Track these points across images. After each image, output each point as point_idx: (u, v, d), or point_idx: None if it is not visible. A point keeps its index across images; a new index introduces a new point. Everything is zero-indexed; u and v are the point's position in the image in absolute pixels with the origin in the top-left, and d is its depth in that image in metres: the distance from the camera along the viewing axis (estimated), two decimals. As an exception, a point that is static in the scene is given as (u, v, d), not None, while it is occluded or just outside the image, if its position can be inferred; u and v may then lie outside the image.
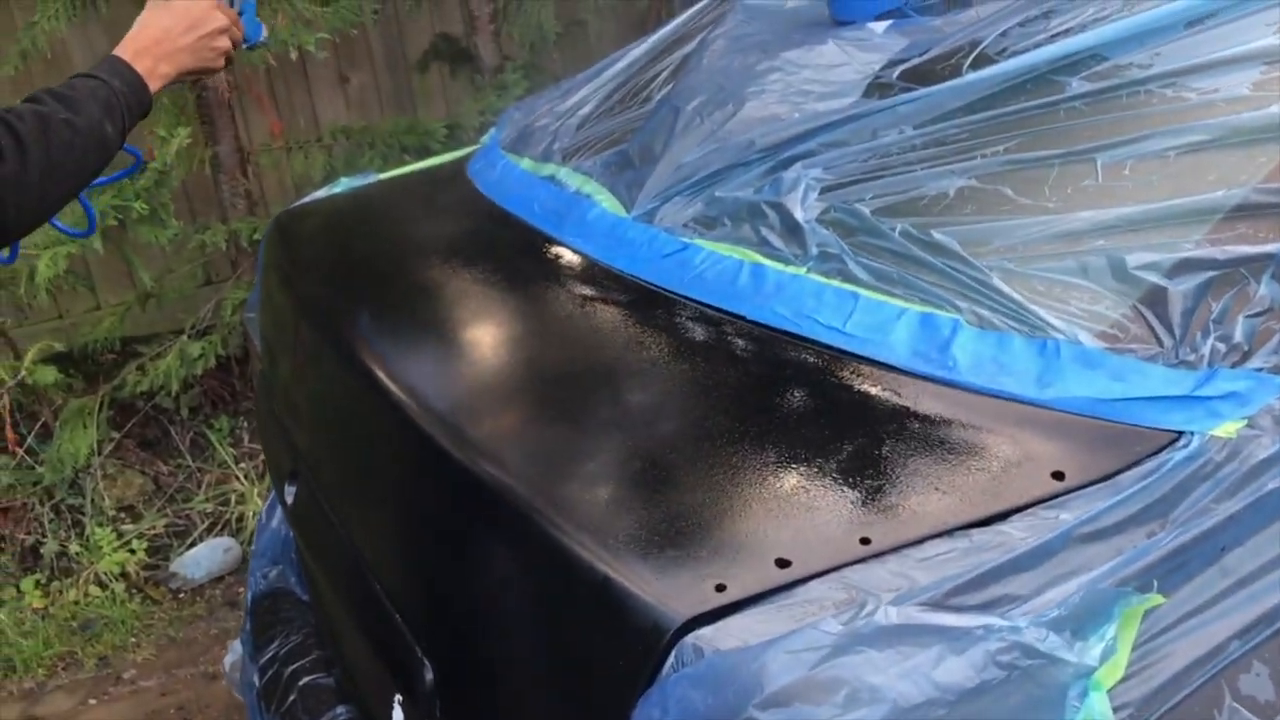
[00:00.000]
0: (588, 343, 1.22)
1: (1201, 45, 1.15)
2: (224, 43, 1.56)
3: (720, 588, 0.80)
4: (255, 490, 3.52)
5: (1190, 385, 0.91)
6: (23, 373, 3.30)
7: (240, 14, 1.65)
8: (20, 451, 3.46)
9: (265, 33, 1.74)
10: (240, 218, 3.58)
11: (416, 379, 1.22)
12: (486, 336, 1.31)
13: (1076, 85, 1.18)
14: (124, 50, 1.49)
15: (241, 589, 3.30)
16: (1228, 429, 0.87)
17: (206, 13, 1.53)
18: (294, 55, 3.34)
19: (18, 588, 3.26)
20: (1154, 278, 0.98)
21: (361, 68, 4.11)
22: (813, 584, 0.80)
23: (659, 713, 0.76)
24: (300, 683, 1.63)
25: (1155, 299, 0.97)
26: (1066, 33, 1.25)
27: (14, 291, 3.28)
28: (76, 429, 3.44)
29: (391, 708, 1.25)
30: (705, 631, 0.78)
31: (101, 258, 3.41)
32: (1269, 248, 0.96)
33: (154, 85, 1.49)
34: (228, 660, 2.29)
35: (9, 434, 3.44)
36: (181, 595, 3.33)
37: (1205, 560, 0.84)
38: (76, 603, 3.24)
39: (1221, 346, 0.93)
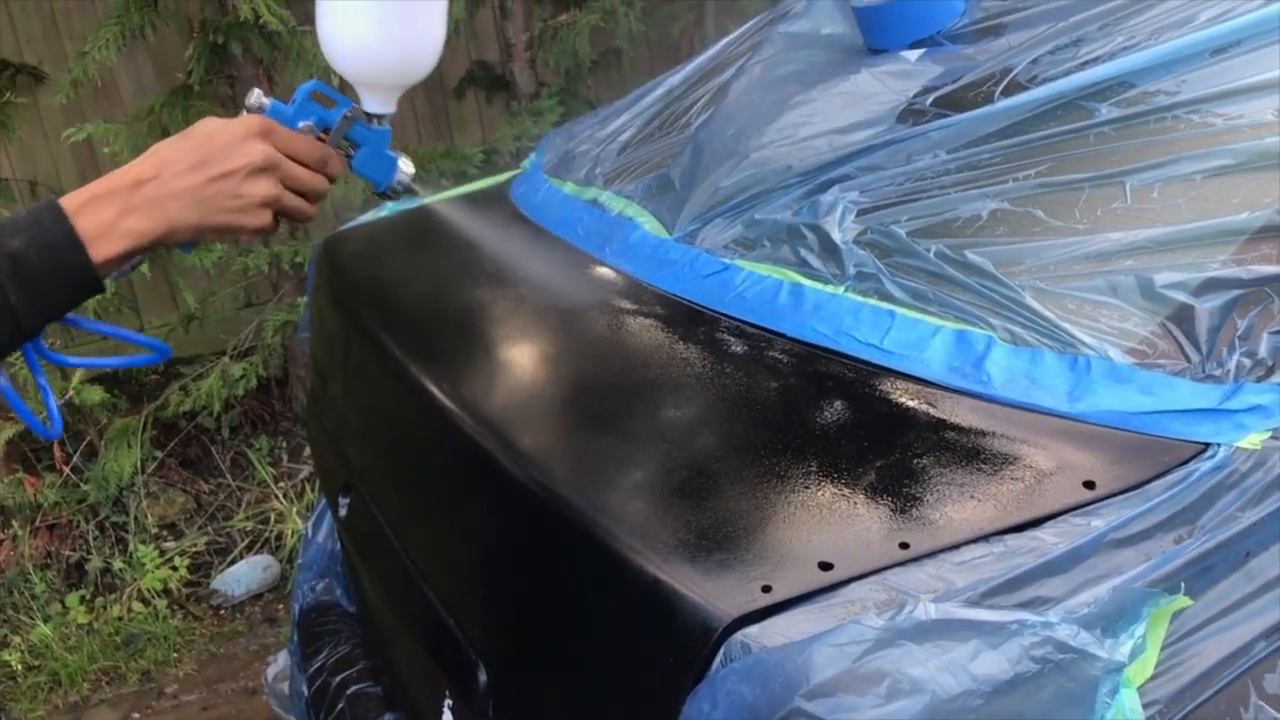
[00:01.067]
0: (633, 358, 1.27)
1: (1227, 73, 1.19)
2: (260, 190, 1.08)
3: (766, 589, 0.84)
4: (294, 509, 3.58)
5: (1216, 399, 0.94)
6: (70, 393, 3.37)
7: (353, 144, 1.23)
8: (66, 470, 3.54)
9: (407, 170, 1.28)
10: (282, 241, 3.66)
11: (468, 392, 1.27)
12: (535, 352, 1.36)
13: (1106, 111, 1.22)
14: (82, 193, 1.05)
15: (280, 606, 3.35)
16: (1253, 440, 0.91)
17: (233, 143, 1.07)
18: (335, 82, 3.42)
19: (63, 603, 3.33)
20: (1181, 296, 1.01)
21: (400, 95, 4.19)
22: (854, 585, 0.84)
23: (709, 706, 0.80)
24: (348, 691, 1.68)
25: (1183, 316, 1.01)
26: (1096, 60, 1.30)
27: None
28: (121, 448, 3.51)
29: (441, 712, 1.29)
30: (752, 630, 0.82)
31: (147, 280, 3.49)
32: (1292, 267, 1.00)
33: (107, 247, 1.02)
34: (270, 671, 2.34)
35: (56, 453, 3.52)
36: (222, 612, 3.39)
37: (1231, 565, 0.87)
38: (120, 618, 3.30)
39: (1247, 362, 0.96)
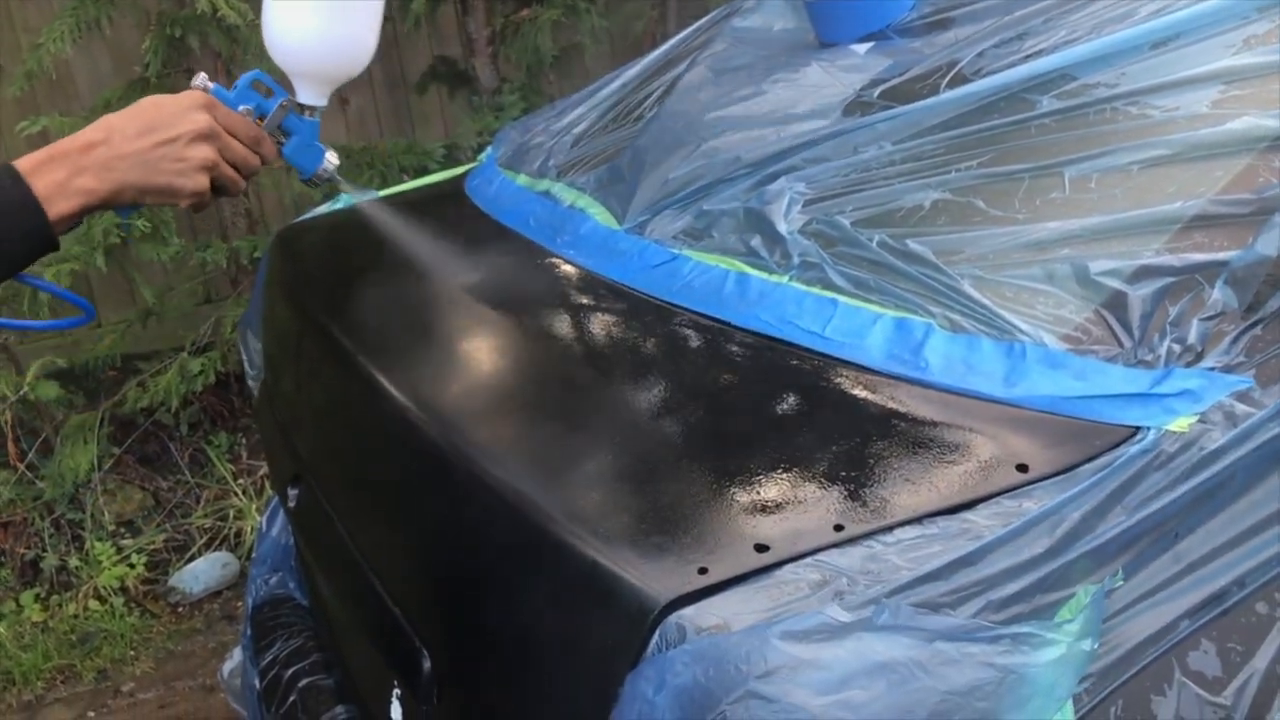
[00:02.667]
0: (581, 348, 1.28)
1: (1165, 66, 1.21)
2: (200, 154, 1.17)
3: (703, 570, 0.85)
4: (253, 505, 3.56)
5: (1147, 384, 0.96)
6: (25, 388, 3.34)
7: (286, 133, 1.33)
8: (21, 466, 3.50)
9: (333, 161, 1.39)
10: (241, 236, 3.64)
11: (416, 384, 1.28)
12: (483, 343, 1.36)
13: (1047, 103, 1.23)
14: (34, 156, 1.12)
15: (239, 603, 3.33)
16: (1181, 424, 0.93)
17: (177, 113, 1.17)
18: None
19: (17, 601, 3.29)
20: (1115, 283, 1.03)
21: (361, 89, 4.17)
22: (789, 567, 0.85)
23: (651, 689, 0.81)
24: (300, 684, 1.68)
25: (1116, 303, 1.02)
26: (1039, 53, 1.31)
27: (16, 308, 3.33)
28: (77, 444, 3.48)
29: (390, 703, 1.29)
30: (688, 611, 0.83)
31: (103, 275, 3.46)
32: (1223, 255, 1.02)
33: (62, 205, 1.10)
34: (226, 667, 2.33)
35: (11, 449, 3.48)
36: (180, 609, 3.36)
37: (1159, 546, 0.89)
38: (76, 616, 3.27)
39: (1177, 348, 0.98)
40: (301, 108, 1.36)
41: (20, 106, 3.56)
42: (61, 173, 1.11)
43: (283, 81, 1.37)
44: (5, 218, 1.08)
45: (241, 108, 1.28)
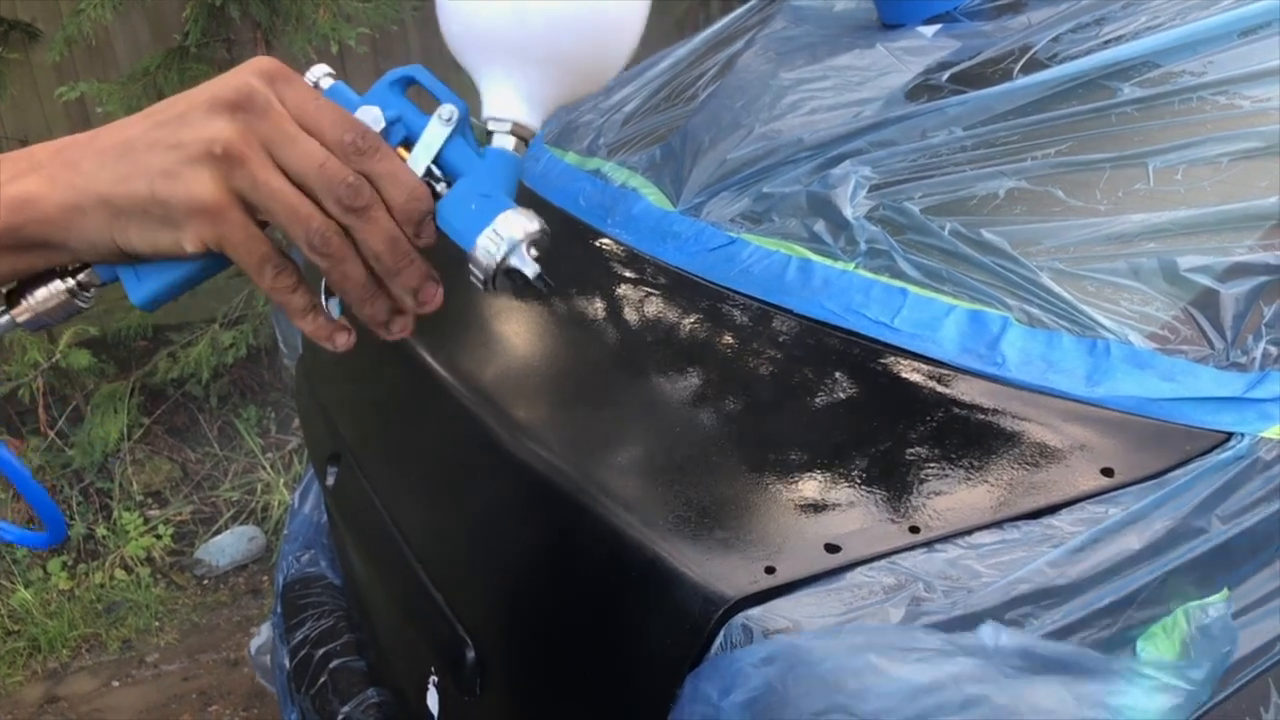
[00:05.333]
0: (634, 331, 1.23)
1: (1255, 54, 1.16)
2: (209, 133, 0.63)
3: (770, 570, 0.81)
4: (281, 480, 3.55)
5: (1241, 387, 0.91)
6: (56, 356, 3.33)
7: (449, 176, 0.69)
8: (51, 434, 3.50)
9: (509, 233, 0.66)
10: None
11: (465, 364, 1.24)
12: (533, 324, 1.32)
13: (1128, 91, 1.18)
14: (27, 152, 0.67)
15: (265, 578, 3.32)
16: (1278, 430, 0.88)
17: (211, 84, 0.65)
18: (335, 49, 3.37)
19: (44, 569, 3.29)
20: (1206, 281, 0.98)
21: (399, 63, 4.13)
22: (861, 569, 0.81)
23: (716, 692, 0.77)
24: (331, 665, 1.65)
25: (1206, 302, 0.97)
26: (1119, 39, 1.26)
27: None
28: (107, 414, 3.47)
29: (426, 689, 1.26)
30: (755, 612, 0.79)
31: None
32: (1322, 254, 0.96)
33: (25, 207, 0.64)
34: (254, 644, 2.31)
35: (41, 416, 3.48)
36: (206, 582, 3.35)
37: (1256, 559, 0.84)
38: (102, 586, 3.27)
39: (1273, 350, 0.93)
40: (490, 133, 0.72)
41: (59, 72, 3.55)
42: (6, 169, 0.65)
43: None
44: None
45: (364, 111, 0.68)
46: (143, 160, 0.64)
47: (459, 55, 0.74)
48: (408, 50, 4.16)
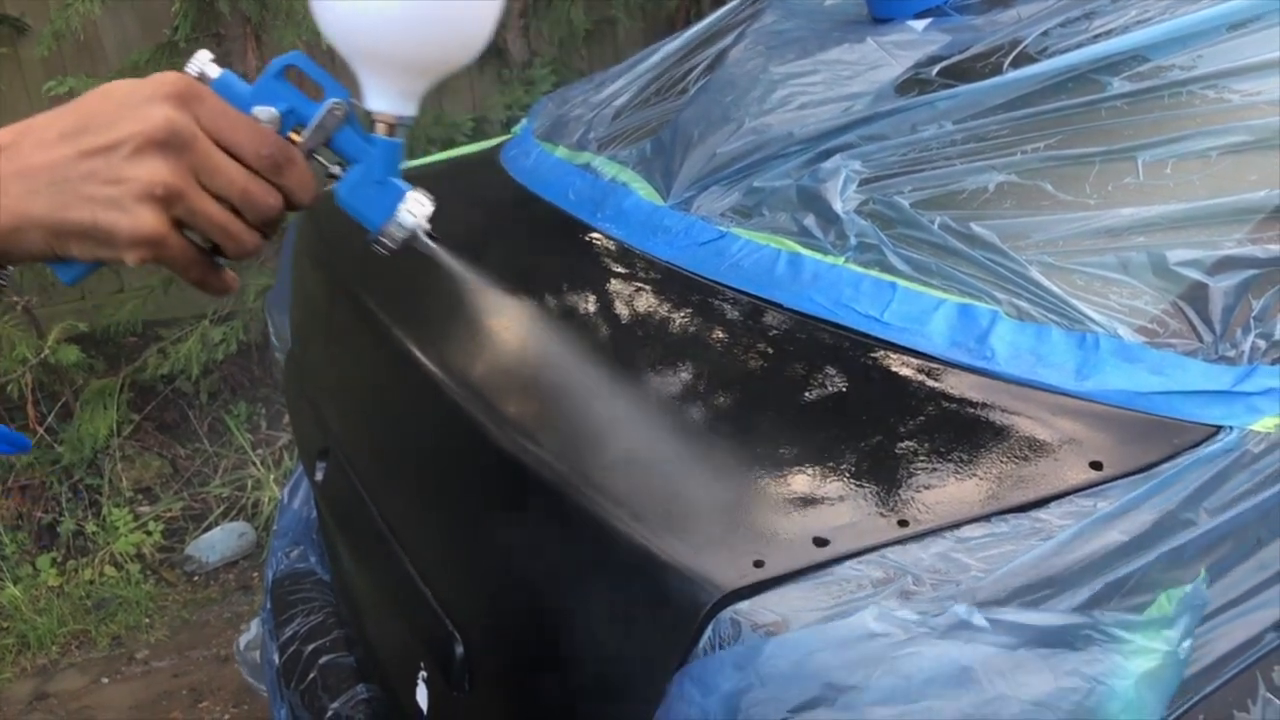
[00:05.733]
0: (624, 325, 1.23)
1: (1244, 48, 1.16)
2: (146, 172, 0.70)
3: (759, 563, 0.81)
4: (271, 476, 3.54)
5: (1229, 380, 0.91)
6: (45, 351, 3.32)
7: (343, 160, 0.83)
8: (40, 430, 3.48)
9: (417, 211, 0.84)
10: (266, 205, 3.60)
11: (453, 358, 1.23)
12: (522, 318, 1.31)
13: (1118, 85, 1.18)
14: None
15: (255, 574, 3.31)
16: (1267, 424, 0.88)
17: (128, 106, 0.71)
18: (324, 45, 3.36)
19: (34, 565, 3.28)
20: (1195, 274, 0.98)
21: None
22: (851, 563, 0.81)
23: (699, 691, 0.77)
24: (320, 661, 1.65)
25: (1195, 295, 0.97)
26: (1108, 33, 1.26)
27: (40, 270, 3.30)
28: (96, 410, 3.46)
29: (415, 684, 1.26)
30: (743, 606, 0.79)
31: (127, 240, 3.43)
32: (1311, 247, 0.97)
33: None
34: (242, 640, 2.31)
35: (30, 412, 3.47)
36: (196, 578, 3.35)
37: (1241, 552, 0.84)
38: (91, 582, 3.26)
39: (1262, 343, 0.93)
40: (372, 119, 0.84)
41: (47, 67, 3.53)
42: None
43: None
44: None
45: (260, 110, 0.78)
46: (81, 190, 0.70)
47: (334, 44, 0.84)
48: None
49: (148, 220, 0.71)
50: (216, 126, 0.74)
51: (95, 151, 0.70)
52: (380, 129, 0.84)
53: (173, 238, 0.73)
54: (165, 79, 0.73)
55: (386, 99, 0.83)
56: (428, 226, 0.85)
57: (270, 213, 0.76)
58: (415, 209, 0.84)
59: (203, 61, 0.79)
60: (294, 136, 0.80)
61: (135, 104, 0.71)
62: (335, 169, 0.83)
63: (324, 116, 0.80)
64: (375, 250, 0.85)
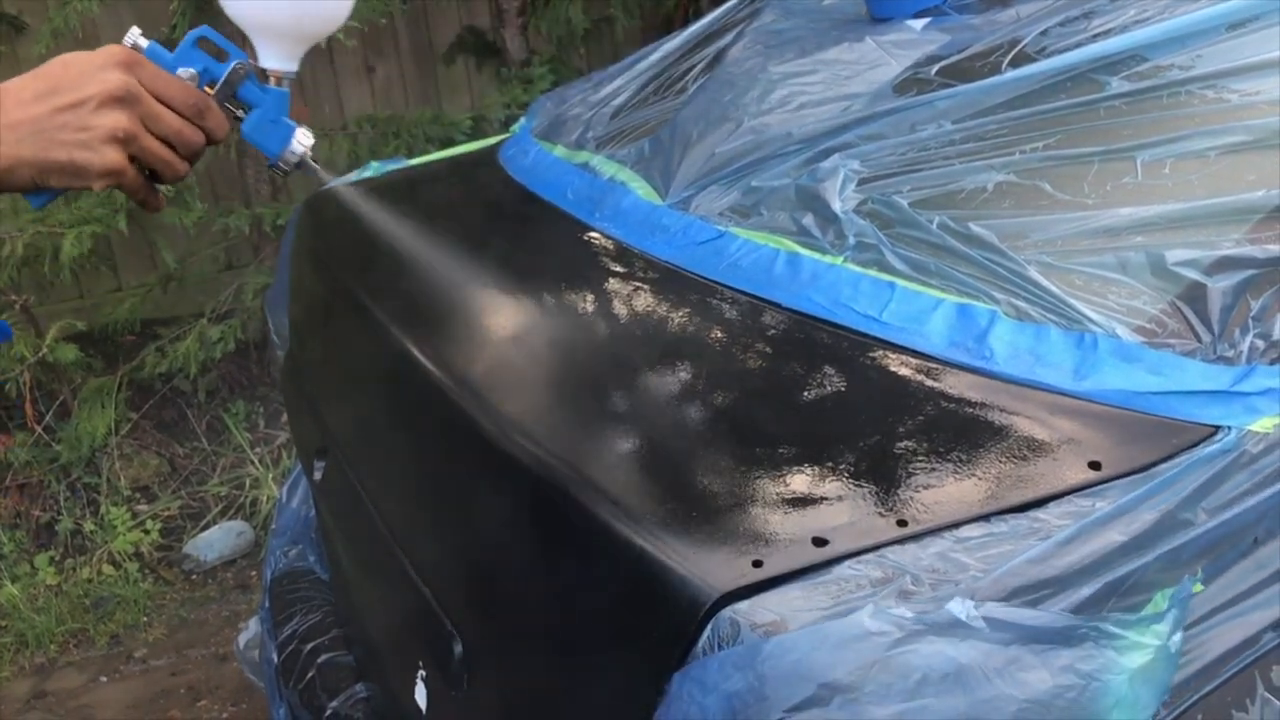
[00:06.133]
0: (622, 325, 1.23)
1: (1243, 48, 1.16)
2: (109, 121, 0.97)
3: (757, 563, 0.81)
4: (269, 475, 3.54)
5: (1228, 381, 0.91)
6: (44, 350, 3.32)
7: (245, 105, 1.11)
8: (38, 429, 3.48)
9: (303, 142, 1.14)
10: (264, 203, 3.60)
11: (452, 357, 1.23)
12: (521, 317, 1.31)
13: (1117, 85, 1.18)
14: None
15: (253, 573, 3.31)
16: (1264, 424, 0.88)
17: (86, 72, 0.98)
18: (322, 43, 3.36)
19: (32, 564, 3.28)
20: (1193, 274, 0.98)
21: (388, 58, 4.13)
22: (849, 563, 0.81)
23: (699, 691, 0.77)
24: (319, 660, 1.65)
25: (1194, 295, 0.97)
26: (1107, 33, 1.26)
27: (38, 269, 3.30)
28: (94, 408, 3.45)
29: (414, 683, 1.26)
30: (742, 606, 0.79)
31: (124, 239, 3.43)
32: (1309, 247, 0.97)
33: None
34: (241, 638, 2.31)
35: (28, 411, 3.46)
36: (194, 577, 3.34)
37: (1239, 552, 0.84)
38: (89, 581, 3.26)
39: (1260, 343, 0.93)
40: (264, 74, 1.14)
41: (45, 65, 3.53)
42: None
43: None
44: None
45: (182, 70, 1.06)
46: (58, 137, 0.96)
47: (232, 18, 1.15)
48: (395, 43, 4.15)
49: (112, 157, 0.98)
50: (155, 85, 1.00)
51: (67, 107, 0.96)
52: (272, 81, 1.14)
53: (129, 169, 1.00)
54: (112, 51, 0.99)
55: (276, 59, 1.15)
56: (312, 154, 1.15)
57: (197, 147, 1.04)
58: (304, 139, 1.14)
59: (135, 35, 1.07)
60: (208, 90, 1.08)
61: (93, 71, 0.97)
62: (239, 113, 1.12)
63: (230, 74, 1.09)
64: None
